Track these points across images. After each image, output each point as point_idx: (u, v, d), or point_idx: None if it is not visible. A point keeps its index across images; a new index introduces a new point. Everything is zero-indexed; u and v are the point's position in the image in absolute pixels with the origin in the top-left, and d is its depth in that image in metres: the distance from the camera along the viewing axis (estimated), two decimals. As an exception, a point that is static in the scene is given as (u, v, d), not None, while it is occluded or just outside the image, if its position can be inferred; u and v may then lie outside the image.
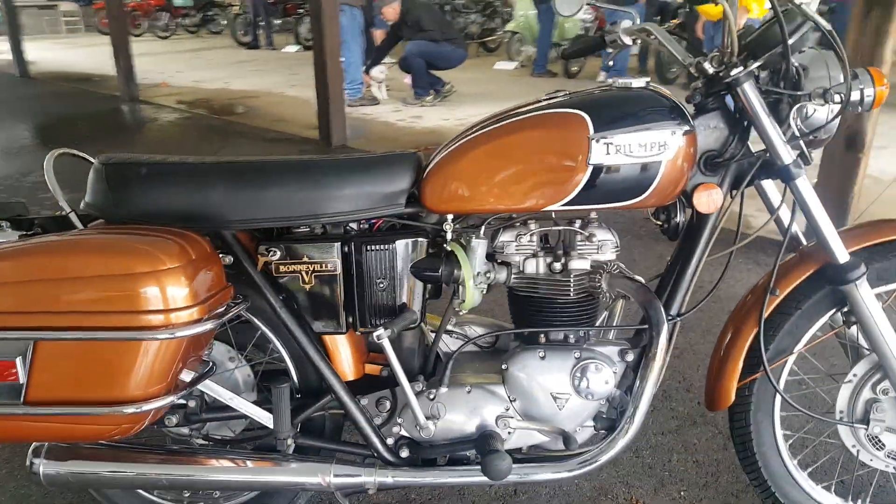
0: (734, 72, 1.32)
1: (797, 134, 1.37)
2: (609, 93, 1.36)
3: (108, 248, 1.23)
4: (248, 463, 1.47)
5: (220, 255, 1.40)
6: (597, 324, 1.48)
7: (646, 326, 1.42)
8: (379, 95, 7.79)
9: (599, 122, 1.30)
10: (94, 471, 1.47)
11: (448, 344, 1.59)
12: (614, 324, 1.55)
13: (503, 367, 1.45)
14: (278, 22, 14.20)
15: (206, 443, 1.60)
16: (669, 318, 1.46)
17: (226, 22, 16.04)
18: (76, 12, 18.41)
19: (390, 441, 1.49)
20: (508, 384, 1.45)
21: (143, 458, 1.49)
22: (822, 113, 1.38)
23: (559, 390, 1.42)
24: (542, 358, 1.43)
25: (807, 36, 1.33)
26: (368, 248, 1.42)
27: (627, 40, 1.54)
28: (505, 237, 1.44)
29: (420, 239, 1.44)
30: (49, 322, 1.20)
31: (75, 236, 1.29)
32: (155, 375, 1.24)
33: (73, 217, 1.43)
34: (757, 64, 1.32)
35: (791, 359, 1.49)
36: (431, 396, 1.46)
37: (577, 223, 1.44)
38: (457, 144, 1.39)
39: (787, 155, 1.35)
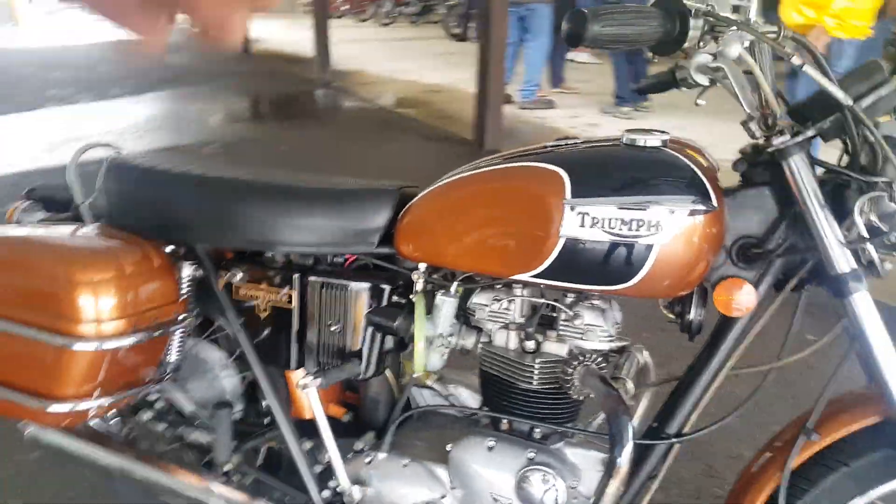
0: (777, 141, 1.01)
1: (864, 234, 1.01)
2: (603, 149, 1.10)
3: (47, 250, 1.22)
4: (186, 475, 1.41)
5: (194, 269, 1.35)
6: (570, 421, 1.23)
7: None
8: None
9: (579, 185, 1.05)
10: (65, 444, 1.50)
11: (426, 401, 1.41)
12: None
13: (447, 447, 1.24)
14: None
15: (173, 445, 1.58)
16: (664, 436, 1.17)
17: (444, 12, 16.49)
18: (311, -6, 19.87)
19: (326, 494, 1.34)
20: (451, 468, 1.24)
21: (107, 443, 1.50)
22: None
23: (500, 492, 1.19)
24: (491, 449, 1.20)
25: (892, 98, 0.97)
26: (324, 285, 1.29)
27: (702, 79, 1.24)
28: (478, 299, 1.24)
29: (382, 285, 1.28)
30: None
31: (41, 232, 1.30)
32: (76, 380, 1.22)
33: (83, 209, 1.44)
34: (810, 134, 0.99)
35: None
36: (368, 460, 1.29)
37: (569, 298, 1.20)
38: (432, 188, 1.21)
39: (842, 261, 1.01)
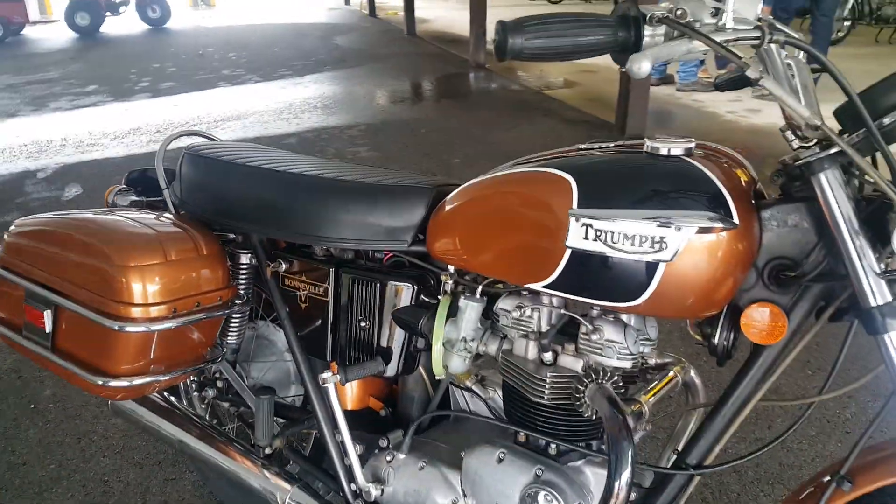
0: (805, 154, 0.88)
1: (906, 264, 0.86)
2: (619, 157, 1.02)
3: (104, 234, 1.32)
4: (232, 453, 1.50)
5: (249, 258, 1.44)
6: (592, 439, 1.16)
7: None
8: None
9: (587, 194, 0.98)
10: (136, 414, 1.65)
11: (467, 402, 1.40)
12: None
13: (462, 454, 1.22)
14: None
15: (237, 423, 1.69)
16: (685, 466, 1.08)
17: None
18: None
19: (355, 486, 1.37)
20: (463, 476, 1.22)
21: (170, 416, 1.63)
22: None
23: (505, 507, 1.15)
24: (500, 461, 1.17)
25: None
26: (355, 280, 1.31)
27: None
28: (503, 305, 1.20)
29: (411, 283, 1.28)
30: (61, 287, 1.36)
31: (111, 217, 1.42)
32: (126, 359, 1.32)
33: (165, 196, 1.57)
34: (838, 148, 0.86)
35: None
36: (389, 459, 1.30)
37: (595, 311, 1.13)
38: (462, 188, 1.19)
39: (872, 293, 0.87)
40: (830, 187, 0.88)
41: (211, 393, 1.66)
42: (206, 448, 1.54)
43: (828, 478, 0.98)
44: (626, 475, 0.99)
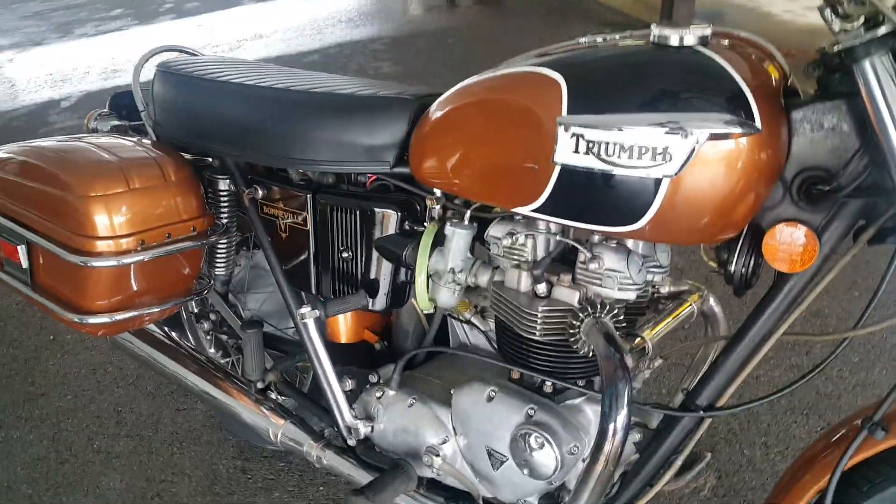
0: (848, 37, 0.71)
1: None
2: (619, 50, 0.85)
3: (66, 163, 1.22)
4: (225, 386, 1.44)
5: (227, 184, 1.33)
6: (592, 376, 1.04)
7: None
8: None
9: (578, 98, 0.83)
10: (138, 347, 1.60)
11: (466, 335, 1.29)
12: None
13: (451, 391, 1.12)
14: None
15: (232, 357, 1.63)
16: (694, 408, 0.96)
17: None
18: None
19: (349, 420, 1.28)
20: (454, 414, 1.12)
21: (169, 352, 1.57)
22: None
23: (495, 447, 1.06)
24: (490, 399, 1.06)
25: None
26: (334, 207, 1.19)
27: None
28: (494, 231, 1.07)
29: (394, 210, 1.15)
30: (30, 222, 1.27)
31: (72, 143, 1.31)
32: (102, 295, 1.24)
33: (144, 117, 1.45)
34: (890, 27, 0.68)
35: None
36: (378, 395, 1.21)
37: (596, 236, 0.99)
38: (444, 97, 1.04)
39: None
40: (877, 77, 0.71)
41: (206, 326, 1.59)
42: (201, 381, 1.48)
43: (859, 422, 0.84)
44: (620, 418, 0.88)
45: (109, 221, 1.18)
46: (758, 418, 1.72)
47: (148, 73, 1.40)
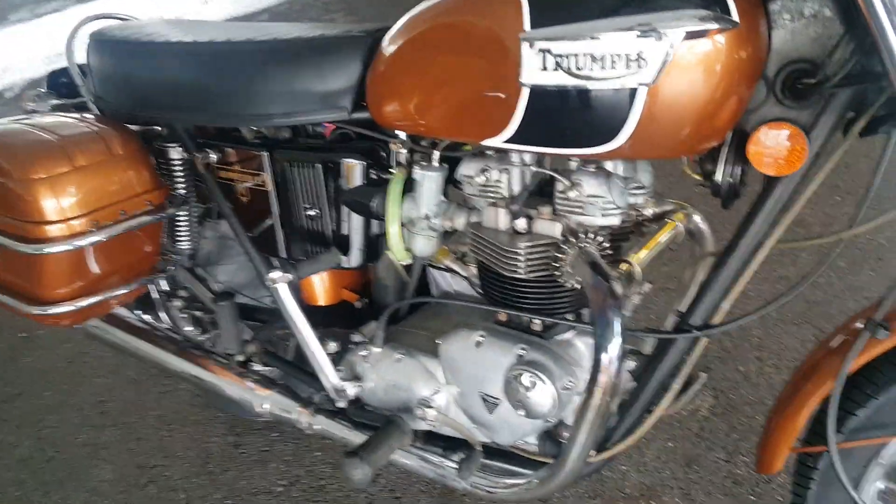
0: None
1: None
2: None
3: (4, 148, 1.14)
4: (205, 363, 1.40)
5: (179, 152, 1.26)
6: (581, 308, 1.00)
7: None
8: None
9: (539, 9, 0.77)
10: (113, 335, 1.54)
11: (449, 283, 1.25)
12: None
13: (437, 342, 1.08)
14: None
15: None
16: (688, 328, 0.92)
17: None
18: None
19: (336, 382, 1.24)
20: (443, 364, 1.08)
21: (144, 335, 1.51)
22: None
23: (489, 392, 1.02)
24: (479, 345, 1.02)
25: None
26: (293, 163, 1.12)
27: None
28: (465, 170, 1.01)
29: (358, 160, 1.09)
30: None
31: (5, 126, 1.22)
32: (61, 282, 1.18)
33: (83, 91, 1.36)
34: None
35: (894, 443, 0.85)
36: (364, 353, 1.16)
37: (573, 163, 0.94)
38: (396, 27, 0.97)
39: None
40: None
41: (178, 304, 1.53)
42: (180, 361, 1.43)
43: (860, 324, 0.82)
44: (614, 347, 0.85)
45: (57, 204, 1.11)
46: (749, 334, 1.71)
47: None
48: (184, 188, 1.28)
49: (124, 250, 1.23)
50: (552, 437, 1.06)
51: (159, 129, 1.29)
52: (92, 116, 1.26)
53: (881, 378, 0.84)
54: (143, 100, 1.21)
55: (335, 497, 1.56)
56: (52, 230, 1.11)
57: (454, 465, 1.11)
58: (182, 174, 1.28)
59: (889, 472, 0.92)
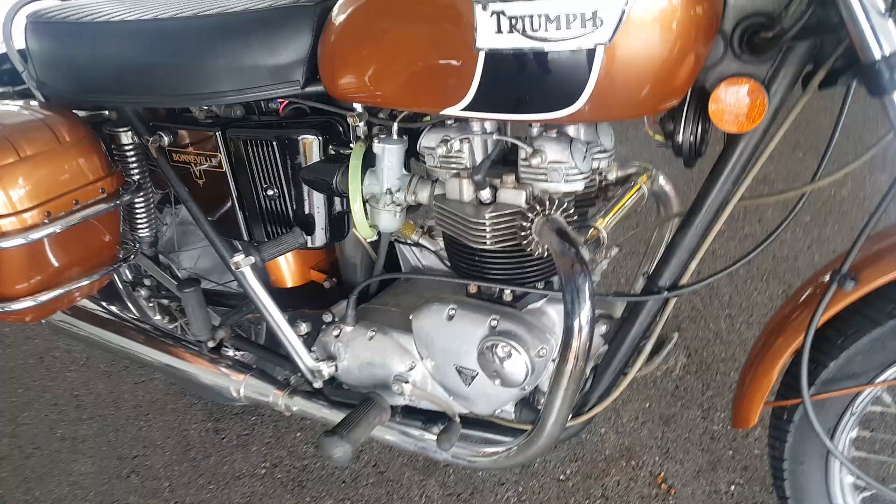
0: None
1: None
2: None
3: None
4: (176, 351, 1.37)
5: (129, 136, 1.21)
6: (550, 276, 1.00)
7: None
8: None
9: (491, -27, 0.74)
10: (79, 328, 1.50)
11: (417, 258, 1.23)
12: None
13: (410, 317, 1.07)
14: None
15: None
16: (657, 290, 0.92)
17: None
18: None
19: (310, 363, 1.22)
20: (416, 338, 1.07)
21: (111, 326, 1.48)
22: None
23: (464, 364, 1.01)
24: (451, 318, 1.01)
25: None
26: (247, 142, 1.09)
27: None
28: (427, 141, 0.99)
29: (314, 135, 1.06)
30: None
31: None
32: (19, 277, 1.14)
33: (25, 78, 1.31)
34: None
35: (865, 393, 0.86)
36: (336, 333, 1.15)
37: (535, 129, 0.92)
38: None
39: (876, 42, 0.66)
40: None
41: (144, 293, 1.50)
42: (150, 351, 1.40)
43: (827, 277, 0.82)
44: (584, 313, 0.84)
45: (6, 197, 1.07)
46: (719, 292, 1.72)
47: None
48: (138, 174, 1.24)
49: (82, 241, 1.19)
50: (529, 405, 1.06)
51: (108, 113, 1.25)
52: (36, 104, 1.21)
53: (850, 329, 0.84)
54: (88, 84, 1.17)
55: (319, 476, 1.56)
56: (4, 224, 1.07)
57: (434, 438, 1.11)
58: (135, 159, 1.24)
59: (862, 420, 0.93)
